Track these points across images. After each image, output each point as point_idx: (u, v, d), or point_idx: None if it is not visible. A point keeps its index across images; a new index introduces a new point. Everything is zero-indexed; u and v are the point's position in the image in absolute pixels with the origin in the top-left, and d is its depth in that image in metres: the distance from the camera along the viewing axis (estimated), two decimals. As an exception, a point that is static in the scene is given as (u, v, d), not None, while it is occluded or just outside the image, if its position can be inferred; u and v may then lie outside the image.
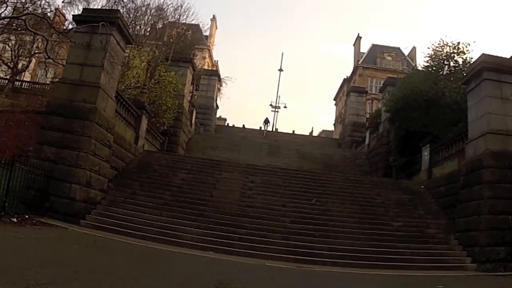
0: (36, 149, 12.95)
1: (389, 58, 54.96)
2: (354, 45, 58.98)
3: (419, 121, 19.67)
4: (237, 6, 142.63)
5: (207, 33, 50.04)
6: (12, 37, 29.17)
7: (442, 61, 21.13)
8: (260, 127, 46.25)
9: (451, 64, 21.03)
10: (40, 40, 28.35)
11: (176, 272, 8.02)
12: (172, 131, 25.34)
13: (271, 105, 53.25)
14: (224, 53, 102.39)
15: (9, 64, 31.48)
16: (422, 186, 18.20)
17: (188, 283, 6.75)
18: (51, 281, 5.24)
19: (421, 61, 39.51)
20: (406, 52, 55.56)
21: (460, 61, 20.90)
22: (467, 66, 19.20)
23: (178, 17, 31.24)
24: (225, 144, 29.51)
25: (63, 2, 18.24)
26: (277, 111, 52.79)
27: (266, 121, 47.47)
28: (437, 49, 21.56)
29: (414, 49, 56.15)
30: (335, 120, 60.24)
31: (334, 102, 63.96)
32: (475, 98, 14.49)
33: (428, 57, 21.91)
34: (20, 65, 32.98)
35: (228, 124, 54.09)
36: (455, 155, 16.84)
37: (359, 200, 16.58)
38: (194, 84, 32.84)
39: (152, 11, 29.45)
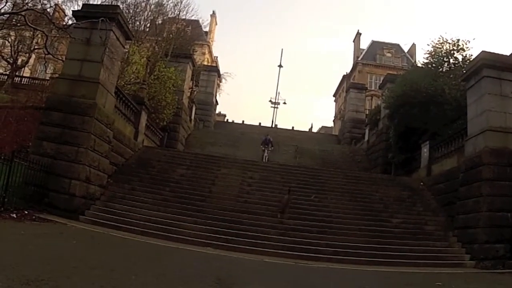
0: (36, 144, 12.94)
1: (388, 54, 54.86)
2: (353, 41, 58.84)
3: (418, 118, 19.65)
4: (237, 1, 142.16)
5: (206, 29, 49.98)
6: (12, 33, 29.12)
7: (441, 58, 21.11)
8: (260, 122, 44.84)
9: (451, 61, 21.01)
10: (39, 35, 28.36)
11: (175, 268, 8.03)
12: (171, 127, 25.34)
13: (270, 101, 53.03)
14: (224, 49, 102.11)
15: (8, 59, 31.47)
16: (421, 183, 18.21)
17: (188, 279, 6.77)
18: (51, 276, 5.25)
19: (420, 58, 39.42)
20: (405, 49, 55.36)
21: (460, 58, 20.89)
22: (467, 63, 19.19)
23: (178, 12, 31.26)
24: (224, 140, 29.46)
25: (62, -3, 18.21)
26: (277, 107, 52.68)
27: (267, 142, 26.58)
28: (437, 46, 21.55)
29: (413, 45, 55.99)
30: (334, 117, 60.15)
31: (334, 98, 63.83)
32: (475, 95, 14.49)
33: (428, 54, 21.93)
34: (19, 61, 32.94)
35: (227, 120, 53.87)
36: (454, 152, 16.85)
37: (358, 196, 16.59)
38: (193, 80, 32.81)
39: (152, 6, 29.49)
